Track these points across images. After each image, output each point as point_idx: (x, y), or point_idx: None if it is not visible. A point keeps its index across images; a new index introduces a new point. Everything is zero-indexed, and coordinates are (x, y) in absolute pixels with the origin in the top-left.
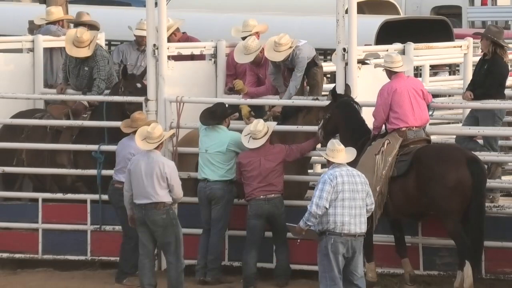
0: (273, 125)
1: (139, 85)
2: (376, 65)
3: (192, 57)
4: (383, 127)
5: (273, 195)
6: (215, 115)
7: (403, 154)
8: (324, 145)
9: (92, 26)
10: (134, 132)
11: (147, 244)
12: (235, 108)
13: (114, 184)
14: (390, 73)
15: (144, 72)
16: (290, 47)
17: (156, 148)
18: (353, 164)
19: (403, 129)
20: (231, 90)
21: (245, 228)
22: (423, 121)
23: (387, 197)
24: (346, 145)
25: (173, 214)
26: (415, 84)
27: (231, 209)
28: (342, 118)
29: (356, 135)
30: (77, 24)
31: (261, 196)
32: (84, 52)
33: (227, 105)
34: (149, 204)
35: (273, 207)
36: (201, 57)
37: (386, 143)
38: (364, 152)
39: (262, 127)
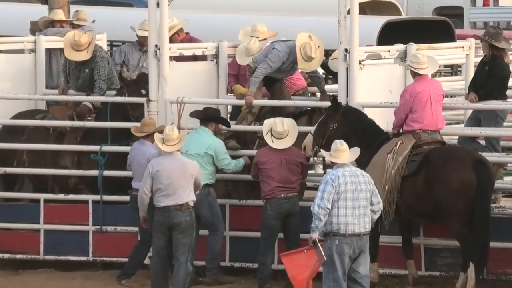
0: (293, 123)
1: (143, 91)
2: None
3: (195, 58)
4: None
5: (291, 193)
6: (204, 113)
7: (415, 154)
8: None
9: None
10: (145, 137)
11: (163, 250)
12: (226, 121)
13: (132, 192)
14: (415, 74)
15: (146, 77)
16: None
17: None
18: (366, 162)
19: (418, 131)
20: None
21: (246, 228)
22: (438, 126)
23: (399, 197)
24: (361, 149)
25: (194, 217)
26: (437, 87)
27: (218, 209)
28: (352, 125)
29: (370, 138)
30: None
31: (282, 195)
32: (83, 56)
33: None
34: (173, 206)
35: (292, 205)
36: (204, 57)
37: (399, 143)
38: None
39: (286, 127)
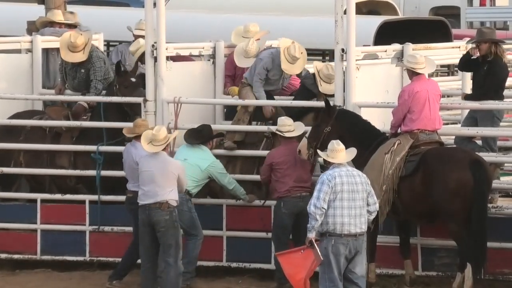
0: (301, 124)
1: (133, 79)
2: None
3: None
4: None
5: (305, 193)
6: (200, 135)
7: (413, 154)
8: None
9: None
10: (136, 137)
11: (150, 249)
12: (221, 135)
13: (127, 193)
14: (412, 74)
15: (135, 68)
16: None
17: (163, 150)
18: (364, 163)
19: (415, 131)
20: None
21: (243, 228)
22: (436, 126)
23: (396, 197)
24: (358, 151)
25: (175, 216)
26: (434, 87)
27: (196, 214)
28: (346, 127)
29: (367, 140)
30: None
31: (297, 194)
32: (79, 57)
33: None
34: (153, 204)
35: (305, 204)
36: (188, 59)
37: (396, 143)
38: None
39: (290, 121)
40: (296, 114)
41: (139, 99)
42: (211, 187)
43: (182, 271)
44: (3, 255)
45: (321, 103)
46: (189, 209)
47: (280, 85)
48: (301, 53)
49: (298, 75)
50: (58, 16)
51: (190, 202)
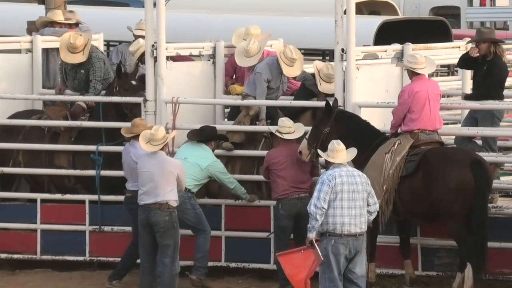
0: (301, 126)
1: (133, 82)
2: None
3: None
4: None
5: (304, 194)
6: (202, 133)
7: (413, 154)
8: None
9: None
10: (135, 137)
11: (150, 249)
12: (225, 137)
13: (127, 193)
14: (412, 74)
15: (136, 71)
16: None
17: (161, 149)
18: (364, 163)
19: (416, 131)
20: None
21: (241, 228)
22: (436, 126)
23: (396, 197)
24: (358, 151)
25: (175, 217)
26: (435, 87)
27: (201, 210)
28: (346, 128)
29: (367, 140)
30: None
31: (295, 196)
32: (79, 58)
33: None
34: (153, 204)
35: (304, 206)
36: (188, 59)
37: (397, 143)
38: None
39: (290, 123)
40: (294, 113)
41: (139, 99)
42: (208, 188)
43: (178, 272)
44: (3, 255)
45: (321, 103)
46: (193, 206)
47: (281, 90)
48: (297, 55)
49: (295, 79)
50: (58, 16)
51: (193, 199)
